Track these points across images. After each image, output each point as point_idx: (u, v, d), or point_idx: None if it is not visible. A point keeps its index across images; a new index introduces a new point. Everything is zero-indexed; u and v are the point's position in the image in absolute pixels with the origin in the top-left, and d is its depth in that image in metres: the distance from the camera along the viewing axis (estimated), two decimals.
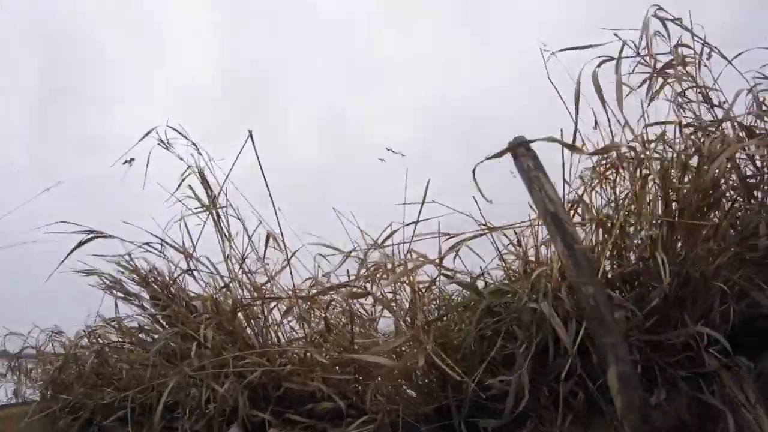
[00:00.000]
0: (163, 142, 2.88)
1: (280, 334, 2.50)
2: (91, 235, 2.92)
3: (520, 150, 1.87)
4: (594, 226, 1.99)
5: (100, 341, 3.10)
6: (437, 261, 2.08)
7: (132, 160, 3.05)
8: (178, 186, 2.85)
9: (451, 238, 2.07)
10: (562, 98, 2.02)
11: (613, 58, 2.02)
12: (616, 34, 2.15)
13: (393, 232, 2.17)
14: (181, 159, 2.88)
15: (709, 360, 2.06)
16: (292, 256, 2.42)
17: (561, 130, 1.89)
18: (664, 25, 2.15)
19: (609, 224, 1.94)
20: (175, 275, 2.73)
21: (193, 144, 2.89)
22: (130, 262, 2.98)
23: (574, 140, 1.97)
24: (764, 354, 2.18)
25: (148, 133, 2.85)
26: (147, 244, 2.89)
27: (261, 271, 2.59)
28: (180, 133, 2.90)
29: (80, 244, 2.89)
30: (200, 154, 2.87)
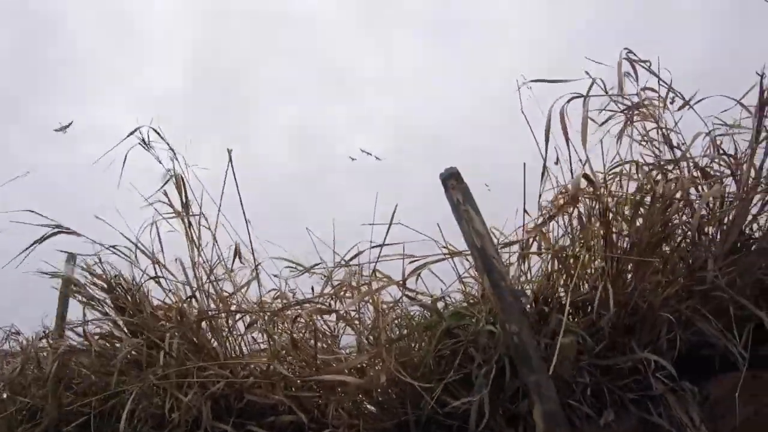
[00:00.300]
0: (145, 142, 2.86)
1: (243, 346, 2.53)
2: (55, 230, 2.88)
3: (451, 183, 1.88)
4: (550, 256, 2.08)
5: (61, 344, 3.06)
6: (401, 282, 2.14)
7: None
8: (161, 187, 2.83)
9: (415, 261, 2.14)
10: (532, 130, 2.11)
11: (581, 95, 2.12)
12: (587, 72, 2.25)
13: (359, 252, 2.23)
14: (160, 162, 2.88)
15: (656, 384, 2.17)
16: (256, 268, 2.45)
17: (524, 164, 1.97)
18: (634, 68, 2.27)
19: (564, 255, 2.03)
20: (141, 282, 2.72)
21: (171, 148, 2.89)
22: (98, 265, 2.96)
23: (543, 174, 2.05)
24: (710, 380, 2.31)
25: (133, 132, 2.83)
26: (114, 246, 2.88)
27: (228, 281, 2.61)
28: (160, 136, 2.89)
29: (42, 239, 2.84)
30: (176, 159, 2.87)
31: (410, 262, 2.11)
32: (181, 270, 2.69)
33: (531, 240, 2.12)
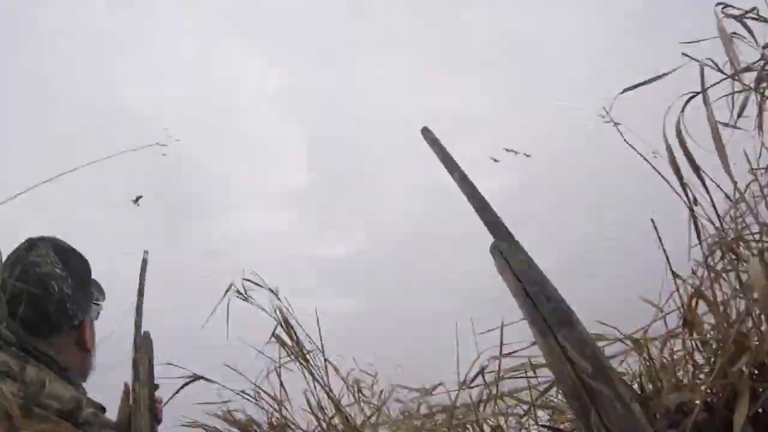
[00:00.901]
0: (241, 293, 2.91)
1: None
2: (193, 378, 2.97)
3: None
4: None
5: None
6: None
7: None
8: (271, 336, 2.81)
9: None
10: (653, 166, 1.55)
11: (698, 93, 1.49)
12: (685, 54, 1.63)
13: (481, 370, 1.82)
14: (263, 309, 2.87)
15: None
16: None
17: (651, 220, 1.44)
18: (744, 24, 1.60)
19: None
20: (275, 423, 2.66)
21: (271, 290, 2.89)
22: (237, 411, 2.96)
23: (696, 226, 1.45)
24: None
25: (228, 289, 2.89)
26: (242, 392, 2.87)
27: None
28: (256, 284, 2.90)
29: (182, 387, 2.95)
30: (279, 299, 2.86)
31: None
32: (312, 410, 2.57)
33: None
